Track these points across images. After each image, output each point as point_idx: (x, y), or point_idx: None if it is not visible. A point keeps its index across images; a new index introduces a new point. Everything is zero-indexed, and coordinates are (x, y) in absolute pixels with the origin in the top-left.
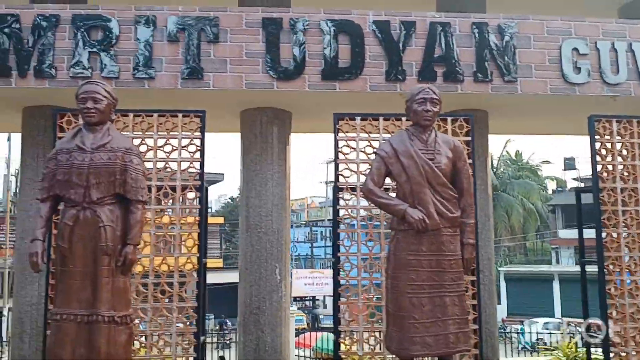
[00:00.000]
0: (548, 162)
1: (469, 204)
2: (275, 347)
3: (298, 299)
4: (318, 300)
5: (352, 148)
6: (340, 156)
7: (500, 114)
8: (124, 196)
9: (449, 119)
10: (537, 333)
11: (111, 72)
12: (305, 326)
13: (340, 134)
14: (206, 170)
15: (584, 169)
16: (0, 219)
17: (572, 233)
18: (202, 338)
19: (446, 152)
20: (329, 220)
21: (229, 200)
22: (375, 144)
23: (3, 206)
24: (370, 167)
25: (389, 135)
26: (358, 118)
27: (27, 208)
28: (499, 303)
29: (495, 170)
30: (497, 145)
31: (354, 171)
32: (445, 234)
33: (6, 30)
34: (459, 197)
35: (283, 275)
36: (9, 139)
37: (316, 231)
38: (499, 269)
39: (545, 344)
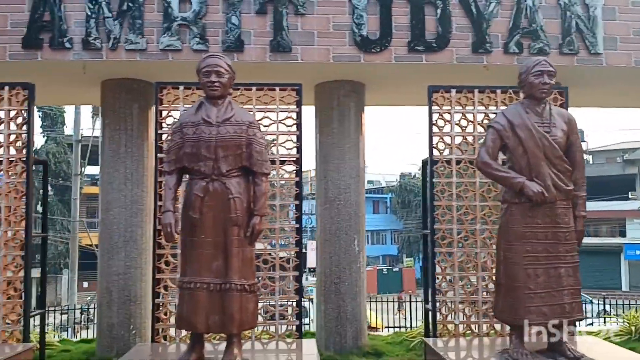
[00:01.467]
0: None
1: (581, 176)
2: (355, 315)
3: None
4: None
5: (447, 121)
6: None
7: (580, 86)
8: (249, 168)
9: None
10: (603, 302)
11: (200, 44)
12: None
13: (434, 107)
14: None
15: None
16: None
17: None
18: None
19: (561, 125)
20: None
21: None
22: (470, 117)
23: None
24: (484, 139)
25: (483, 107)
26: (453, 90)
27: (110, 180)
28: None
29: None
30: None
31: (448, 144)
32: (559, 206)
33: (93, 2)
34: (572, 170)
35: (361, 247)
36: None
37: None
38: None
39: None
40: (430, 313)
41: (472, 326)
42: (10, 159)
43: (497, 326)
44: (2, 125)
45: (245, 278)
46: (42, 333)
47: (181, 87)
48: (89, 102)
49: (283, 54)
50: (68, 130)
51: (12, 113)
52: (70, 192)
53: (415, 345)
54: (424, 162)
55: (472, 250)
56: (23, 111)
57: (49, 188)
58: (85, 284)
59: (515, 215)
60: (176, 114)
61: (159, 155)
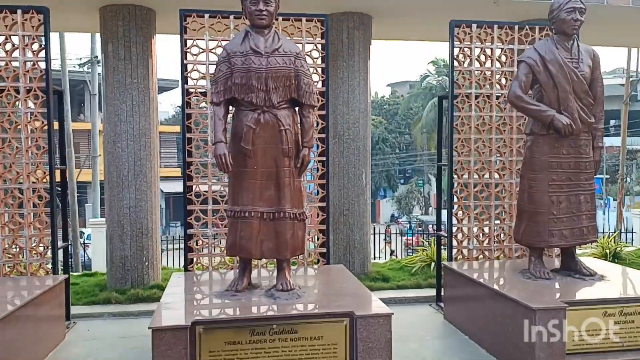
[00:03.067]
0: None
1: (600, 110)
2: (362, 244)
3: None
4: None
5: (468, 56)
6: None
7: None
8: (297, 100)
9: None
10: None
11: None
12: None
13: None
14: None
15: None
16: None
17: None
18: None
19: (587, 61)
20: None
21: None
22: (488, 53)
23: None
24: (516, 73)
25: (501, 43)
26: (474, 25)
27: (117, 112)
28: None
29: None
30: None
31: (468, 80)
32: (582, 138)
33: None
34: (594, 104)
35: (367, 180)
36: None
37: None
38: None
39: None
40: (446, 240)
41: (485, 251)
42: (28, 88)
43: (506, 251)
44: (17, 52)
45: (296, 207)
46: (66, 265)
47: (206, 15)
48: (87, 29)
49: None
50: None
51: (28, 40)
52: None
53: (417, 270)
54: (440, 98)
55: (487, 180)
56: (38, 37)
57: None
58: None
59: (542, 146)
60: (201, 44)
61: (186, 86)
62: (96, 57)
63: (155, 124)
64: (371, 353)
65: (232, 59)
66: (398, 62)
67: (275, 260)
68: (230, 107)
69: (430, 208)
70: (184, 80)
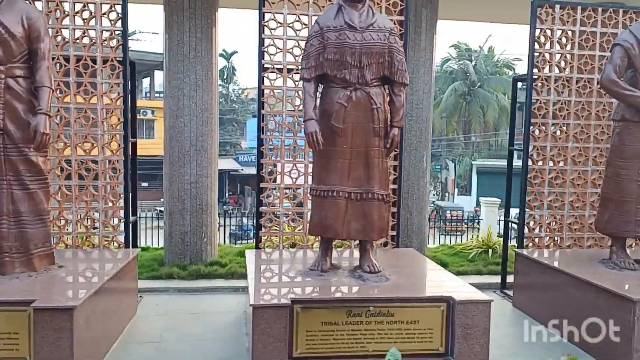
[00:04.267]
0: (520, 59)
1: None
2: (421, 227)
3: None
4: None
5: (550, 38)
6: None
7: None
8: (389, 78)
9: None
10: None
11: None
12: None
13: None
14: None
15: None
16: None
17: None
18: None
19: None
20: None
21: None
22: (570, 35)
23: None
24: (610, 57)
25: (584, 27)
26: (557, 6)
27: (180, 85)
28: (469, 194)
29: (474, 65)
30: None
31: (549, 62)
32: None
33: None
34: None
35: (427, 163)
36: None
37: None
38: (472, 162)
39: None
40: (517, 226)
41: (556, 239)
42: (105, 59)
43: (577, 240)
44: (94, 20)
45: (383, 188)
46: (135, 239)
47: None
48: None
49: None
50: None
51: (105, 8)
52: None
53: (474, 257)
54: (515, 80)
55: (563, 168)
56: (116, 5)
57: None
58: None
59: (635, 134)
60: (280, 17)
61: (263, 61)
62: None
63: (216, 100)
64: (469, 339)
65: (325, 34)
66: None
67: (357, 241)
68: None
69: (447, 194)
70: (261, 55)
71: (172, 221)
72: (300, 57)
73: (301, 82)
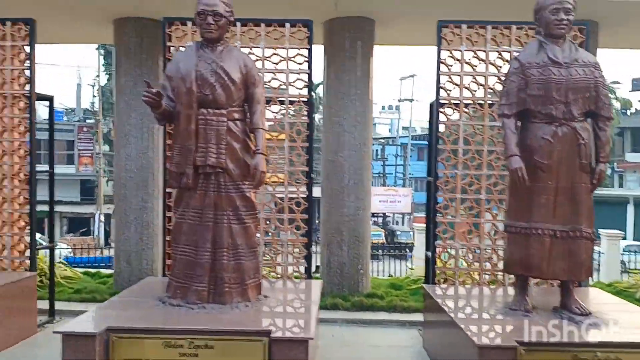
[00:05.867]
0: (617, 82)
1: None
2: None
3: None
4: (389, 217)
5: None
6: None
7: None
8: (594, 112)
9: None
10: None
11: None
12: (383, 241)
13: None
14: None
15: None
16: (79, 128)
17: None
18: None
19: None
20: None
21: None
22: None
23: (78, 116)
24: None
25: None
26: (464, 25)
27: (340, 122)
28: None
29: None
30: None
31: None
32: None
33: None
34: None
35: None
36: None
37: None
38: None
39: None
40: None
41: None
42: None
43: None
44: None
45: (590, 226)
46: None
47: (464, 26)
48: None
49: None
50: None
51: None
52: None
53: None
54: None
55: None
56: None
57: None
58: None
59: None
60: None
61: (440, 97)
62: None
63: (370, 134)
64: None
65: (526, 70)
66: None
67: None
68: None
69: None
70: (437, 91)
71: (330, 252)
72: (498, 94)
73: (500, 118)
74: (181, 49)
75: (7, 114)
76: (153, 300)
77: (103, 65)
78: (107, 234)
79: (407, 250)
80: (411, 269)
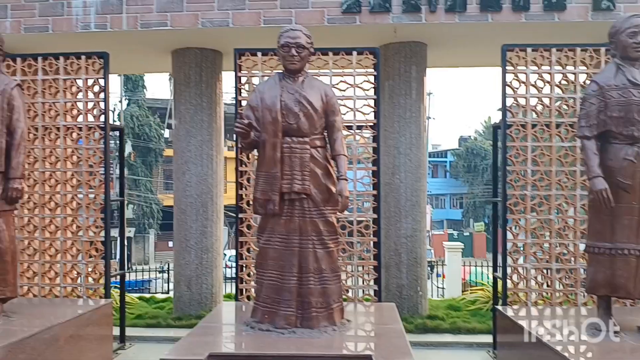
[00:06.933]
0: None
1: None
2: None
3: None
4: None
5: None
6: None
7: None
8: None
9: None
10: None
11: None
12: None
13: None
14: None
15: None
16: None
17: None
18: None
19: None
20: None
21: None
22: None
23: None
24: None
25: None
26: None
27: (395, 144)
28: None
29: None
30: None
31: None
32: None
33: None
34: None
35: None
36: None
37: None
38: None
39: None
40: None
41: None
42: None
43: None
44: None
45: None
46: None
47: (529, 49)
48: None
49: None
50: (148, 93)
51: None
52: (151, 153)
53: None
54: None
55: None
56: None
57: (132, 150)
58: (170, 244)
59: None
60: (255, 80)
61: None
62: None
63: (425, 155)
64: None
65: (606, 93)
66: None
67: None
68: None
69: None
70: (504, 113)
71: (389, 274)
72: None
73: (581, 140)
74: (253, 79)
75: (84, 145)
76: (240, 326)
77: (124, 90)
78: (128, 257)
79: (429, 268)
80: (442, 287)
